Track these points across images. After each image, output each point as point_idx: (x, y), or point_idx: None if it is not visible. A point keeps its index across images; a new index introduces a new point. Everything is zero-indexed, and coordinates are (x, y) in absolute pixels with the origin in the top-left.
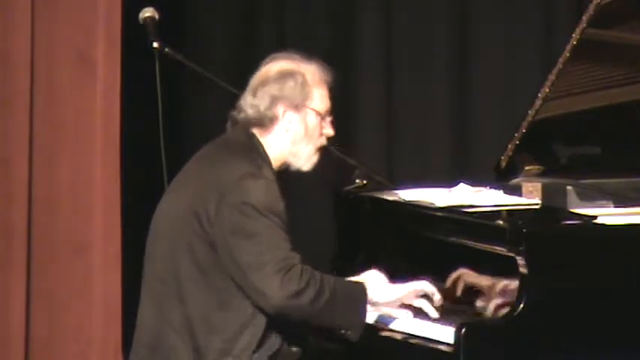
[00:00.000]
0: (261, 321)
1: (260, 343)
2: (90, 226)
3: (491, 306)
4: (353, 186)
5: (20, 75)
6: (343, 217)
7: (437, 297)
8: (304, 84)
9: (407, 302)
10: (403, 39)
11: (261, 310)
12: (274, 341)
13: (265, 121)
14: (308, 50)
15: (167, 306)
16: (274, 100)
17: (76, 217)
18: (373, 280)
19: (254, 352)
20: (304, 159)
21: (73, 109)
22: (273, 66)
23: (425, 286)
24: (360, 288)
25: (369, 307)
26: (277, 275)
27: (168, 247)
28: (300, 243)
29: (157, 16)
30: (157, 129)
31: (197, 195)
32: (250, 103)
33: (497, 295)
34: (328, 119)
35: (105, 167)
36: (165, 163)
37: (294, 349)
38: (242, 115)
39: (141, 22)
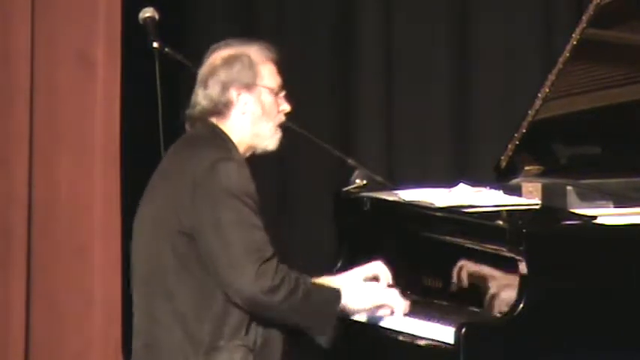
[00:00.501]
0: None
1: (250, 324)
2: (90, 226)
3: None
4: (353, 186)
5: (20, 75)
6: (343, 218)
7: (400, 312)
8: (251, 64)
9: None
10: (403, 39)
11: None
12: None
13: (221, 108)
14: (307, 49)
15: (155, 305)
16: (225, 86)
17: (75, 217)
18: (350, 286)
19: (246, 333)
20: (268, 137)
21: (73, 109)
22: (217, 55)
23: (395, 303)
24: (335, 294)
25: (342, 312)
26: (250, 268)
27: (150, 247)
28: (299, 244)
29: (156, 16)
30: (157, 129)
31: (171, 191)
32: (203, 95)
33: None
34: (282, 94)
35: (105, 167)
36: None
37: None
38: (197, 109)
39: (141, 22)
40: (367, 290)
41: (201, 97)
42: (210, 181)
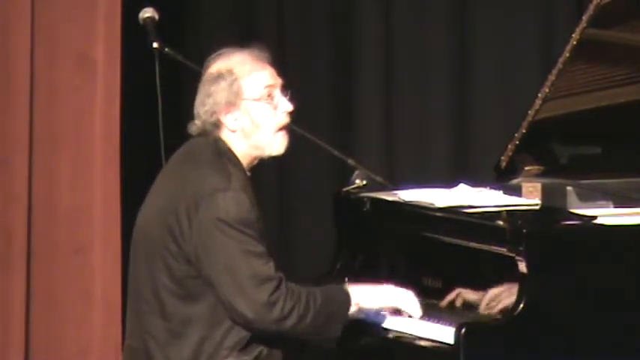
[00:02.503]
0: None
1: (252, 337)
2: (89, 227)
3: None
4: (352, 186)
5: (20, 75)
6: (343, 218)
7: (416, 314)
8: (233, 80)
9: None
10: (402, 39)
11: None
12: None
13: (212, 128)
14: (306, 47)
15: (151, 324)
16: (212, 110)
17: (75, 217)
18: (362, 288)
19: (246, 346)
20: (267, 146)
21: (73, 110)
22: (208, 71)
23: (409, 305)
24: (345, 305)
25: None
26: (259, 299)
27: (147, 266)
28: (299, 244)
29: (156, 17)
30: (157, 129)
31: (169, 211)
32: (196, 112)
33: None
34: (278, 94)
35: (105, 168)
36: (165, 164)
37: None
38: (191, 127)
39: (141, 22)
40: (381, 291)
41: (196, 114)
42: (208, 210)
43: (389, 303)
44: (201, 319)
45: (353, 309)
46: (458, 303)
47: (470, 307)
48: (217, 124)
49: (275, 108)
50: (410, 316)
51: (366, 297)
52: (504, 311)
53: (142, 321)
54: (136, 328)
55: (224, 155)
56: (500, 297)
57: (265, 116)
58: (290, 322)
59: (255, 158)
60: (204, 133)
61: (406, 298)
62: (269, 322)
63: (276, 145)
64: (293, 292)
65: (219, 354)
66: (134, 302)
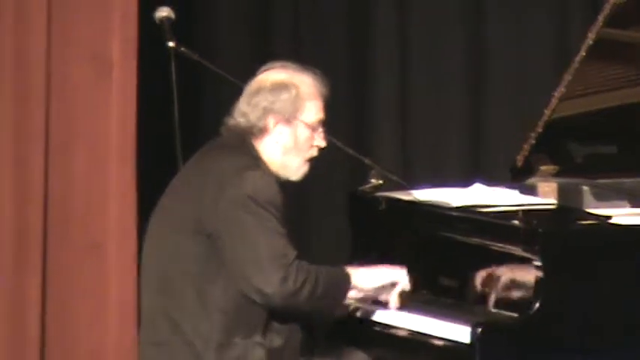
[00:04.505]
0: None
1: (268, 324)
2: (105, 225)
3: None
4: (368, 186)
5: (36, 75)
6: (359, 217)
7: (407, 289)
8: (297, 97)
9: (383, 291)
10: (418, 39)
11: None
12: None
13: (255, 131)
14: (322, 47)
15: (165, 302)
16: (266, 112)
17: (91, 215)
18: (360, 270)
19: (263, 332)
20: (293, 170)
21: (89, 109)
22: (269, 76)
23: (402, 279)
24: (347, 279)
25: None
26: (276, 274)
27: (165, 243)
28: (316, 243)
29: (172, 16)
30: (173, 128)
31: (195, 191)
32: (242, 112)
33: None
34: (320, 130)
35: (120, 167)
36: (182, 162)
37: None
38: (232, 122)
39: (157, 21)
40: (375, 272)
41: (240, 113)
42: (236, 187)
43: (382, 281)
44: (217, 301)
45: (351, 291)
46: (473, 299)
47: (484, 303)
48: (263, 129)
49: (314, 140)
50: (404, 290)
51: (361, 278)
52: (520, 309)
53: (160, 305)
54: (153, 319)
55: (250, 149)
56: (515, 293)
57: (307, 143)
58: (303, 296)
59: (275, 174)
60: (240, 133)
61: (398, 273)
62: (285, 296)
63: (300, 172)
64: (304, 269)
65: (232, 340)
66: (152, 289)
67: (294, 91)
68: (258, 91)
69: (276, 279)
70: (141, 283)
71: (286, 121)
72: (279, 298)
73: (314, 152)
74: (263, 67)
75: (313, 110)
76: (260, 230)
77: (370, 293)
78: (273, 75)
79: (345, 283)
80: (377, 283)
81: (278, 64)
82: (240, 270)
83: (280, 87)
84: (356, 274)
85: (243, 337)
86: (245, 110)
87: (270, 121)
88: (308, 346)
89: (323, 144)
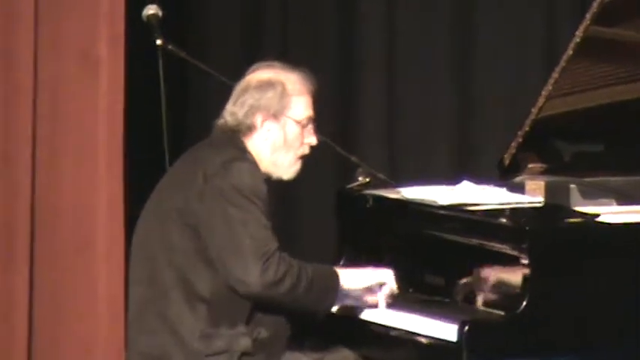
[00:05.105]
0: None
1: (252, 315)
2: (93, 224)
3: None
4: (355, 184)
5: (24, 73)
6: (346, 215)
7: (395, 290)
8: (283, 93)
9: (369, 292)
10: (405, 37)
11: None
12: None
13: (243, 129)
14: (311, 48)
15: (156, 296)
16: (252, 109)
17: (79, 215)
18: (348, 271)
19: (248, 323)
20: (284, 168)
21: (77, 107)
22: (255, 75)
23: (389, 280)
24: (334, 277)
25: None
26: (257, 264)
27: (152, 234)
28: (303, 240)
29: (160, 13)
30: (161, 126)
31: (181, 183)
32: (230, 111)
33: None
34: (310, 127)
35: (108, 166)
36: (169, 161)
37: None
38: (221, 122)
39: (144, 19)
40: (362, 273)
41: (228, 113)
42: (221, 178)
43: (370, 282)
44: (202, 291)
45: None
46: (461, 298)
47: (471, 301)
48: (251, 128)
49: (305, 137)
50: (391, 291)
51: (348, 278)
52: (507, 307)
53: (145, 295)
54: (139, 313)
55: (238, 145)
56: (502, 291)
57: (296, 140)
58: (284, 287)
59: (265, 173)
60: (229, 131)
61: (385, 274)
62: (265, 286)
63: (291, 171)
64: (285, 260)
65: (217, 330)
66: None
67: (279, 88)
68: (245, 90)
69: (256, 269)
70: (130, 275)
71: (274, 118)
72: (260, 287)
73: (305, 150)
74: (251, 68)
75: (301, 107)
76: (243, 221)
77: (357, 294)
78: (259, 74)
79: (333, 282)
80: (364, 284)
81: (264, 64)
82: (222, 260)
83: (266, 84)
84: (343, 275)
85: (228, 327)
86: (233, 110)
87: (258, 118)
88: (297, 340)
89: (314, 141)
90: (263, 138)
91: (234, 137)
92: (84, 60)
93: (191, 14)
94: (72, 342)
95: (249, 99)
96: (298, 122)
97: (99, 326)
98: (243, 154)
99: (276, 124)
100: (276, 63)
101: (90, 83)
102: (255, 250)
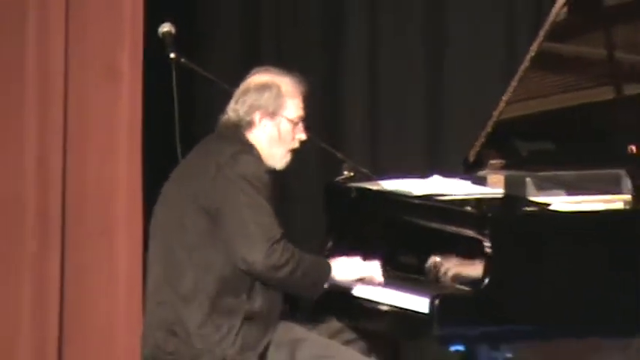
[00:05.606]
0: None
1: (253, 289)
2: (115, 212)
3: (450, 274)
4: (342, 177)
5: (56, 81)
6: (333, 205)
7: (380, 282)
8: (279, 95)
9: (357, 282)
10: (386, 51)
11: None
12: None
13: (244, 124)
14: (301, 54)
15: (171, 274)
16: (252, 108)
17: (103, 203)
18: (339, 262)
19: (249, 297)
20: (277, 159)
21: (102, 110)
22: (254, 78)
23: (376, 273)
24: (327, 269)
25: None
26: (262, 246)
27: (172, 218)
28: (295, 227)
29: (173, 31)
30: (174, 127)
31: (196, 174)
32: (233, 109)
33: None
34: (301, 125)
35: (128, 162)
36: (181, 155)
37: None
38: (225, 117)
39: (160, 35)
40: (352, 264)
41: (231, 110)
42: (231, 168)
43: (359, 274)
44: (212, 269)
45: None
46: (432, 275)
47: (442, 279)
48: (250, 123)
49: (296, 133)
50: (378, 283)
51: (340, 270)
52: (472, 284)
53: (166, 280)
54: (159, 282)
55: (243, 139)
56: (468, 271)
57: (288, 136)
58: (284, 272)
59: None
60: (232, 127)
61: (373, 268)
62: (267, 268)
63: (283, 161)
64: (289, 249)
65: (223, 298)
66: (158, 263)
67: (275, 90)
68: (246, 91)
69: (261, 250)
70: (149, 256)
71: (270, 116)
72: (262, 267)
73: (295, 144)
74: (251, 72)
75: (294, 107)
76: (250, 207)
77: (347, 284)
78: (258, 77)
79: (325, 272)
80: (354, 275)
81: (262, 68)
82: (230, 240)
83: (264, 87)
84: (335, 266)
85: (233, 297)
86: (235, 107)
87: (256, 115)
88: (292, 312)
89: (304, 137)
90: (261, 133)
91: (238, 132)
92: (108, 72)
93: (199, 31)
94: (97, 313)
95: (249, 99)
96: (291, 120)
97: (119, 299)
98: (249, 147)
99: (272, 121)
100: (272, 68)
101: (113, 92)
102: (261, 233)
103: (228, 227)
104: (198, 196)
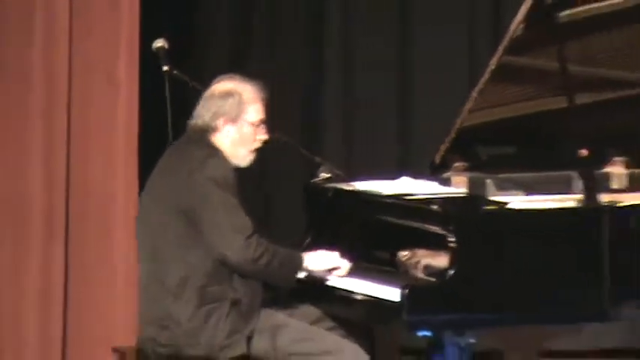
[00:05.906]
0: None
1: (234, 280)
2: (114, 211)
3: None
4: (319, 179)
5: (60, 89)
6: (312, 204)
7: (343, 270)
8: (240, 102)
9: (327, 270)
10: (361, 62)
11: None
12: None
13: (209, 129)
14: (285, 68)
15: (159, 270)
16: (216, 115)
17: (103, 203)
18: (311, 254)
19: (231, 285)
20: (241, 158)
21: (102, 116)
22: (219, 86)
23: (343, 265)
24: (299, 260)
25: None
26: (236, 243)
27: (154, 222)
28: (277, 224)
29: (166, 45)
30: (167, 132)
31: (172, 179)
32: (199, 114)
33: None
34: (262, 126)
35: (125, 163)
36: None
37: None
38: (193, 122)
39: (154, 50)
40: (322, 256)
41: (197, 115)
42: (200, 172)
43: (328, 265)
44: (195, 264)
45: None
46: (403, 268)
47: (411, 271)
48: (215, 128)
49: (257, 135)
50: (345, 273)
51: (311, 261)
52: (438, 275)
53: (154, 274)
54: (149, 280)
55: (209, 143)
56: (434, 263)
57: (250, 138)
58: (260, 264)
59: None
60: (199, 131)
61: (339, 259)
62: (246, 261)
63: (246, 160)
64: (263, 244)
65: (209, 287)
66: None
67: (237, 97)
68: (210, 98)
69: (237, 246)
70: (139, 254)
71: (232, 121)
72: (239, 260)
73: (258, 144)
74: (215, 79)
75: (255, 112)
76: (223, 206)
77: (318, 273)
78: (222, 85)
79: (298, 264)
80: (323, 266)
81: (227, 76)
82: (208, 240)
83: (227, 94)
84: (307, 258)
85: (218, 285)
86: (201, 113)
87: (220, 122)
88: (272, 300)
89: (265, 137)
90: (224, 136)
91: (204, 136)
92: (107, 80)
93: (189, 45)
94: (97, 306)
95: (213, 106)
96: (252, 123)
97: (117, 293)
98: (216, 151)
99: (234, 126)
100: (235, 75)
101: (112, 99)
102: (236, 231)
103: (204, 227)
104: (174, 199)
